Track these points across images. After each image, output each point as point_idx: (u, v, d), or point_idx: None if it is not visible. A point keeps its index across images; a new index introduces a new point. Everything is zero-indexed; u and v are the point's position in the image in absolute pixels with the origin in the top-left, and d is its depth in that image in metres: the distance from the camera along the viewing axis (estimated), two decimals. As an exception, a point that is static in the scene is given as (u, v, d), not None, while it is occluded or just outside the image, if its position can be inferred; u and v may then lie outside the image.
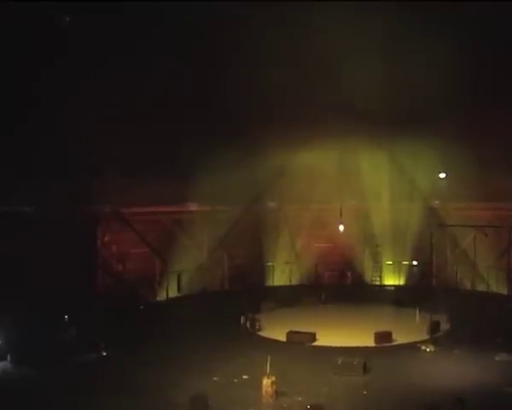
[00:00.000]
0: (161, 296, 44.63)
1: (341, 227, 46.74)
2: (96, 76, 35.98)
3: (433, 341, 32.03)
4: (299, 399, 23.77)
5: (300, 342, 32.61)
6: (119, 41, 35.66)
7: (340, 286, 48.15)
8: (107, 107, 36.94)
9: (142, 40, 36.60)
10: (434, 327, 33.68)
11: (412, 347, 31.66)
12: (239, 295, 40.70)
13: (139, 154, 39.60)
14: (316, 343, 32.99)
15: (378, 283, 50.18)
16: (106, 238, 43.62)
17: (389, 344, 32.48)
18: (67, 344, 30.80)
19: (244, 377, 26.56)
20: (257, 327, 35.64)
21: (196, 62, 38.79)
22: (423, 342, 32.04)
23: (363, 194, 48.69)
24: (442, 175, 47.63)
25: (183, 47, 37.31)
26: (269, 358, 24.71)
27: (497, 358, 28.92)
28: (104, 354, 30.04)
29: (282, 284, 49.72)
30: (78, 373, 27.09)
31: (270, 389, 23.92)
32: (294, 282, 50.40)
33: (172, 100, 39.55)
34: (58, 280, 34.69)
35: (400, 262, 49.91)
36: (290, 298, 43.11)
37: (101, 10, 34.09)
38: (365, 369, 27.22)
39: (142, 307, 40.71)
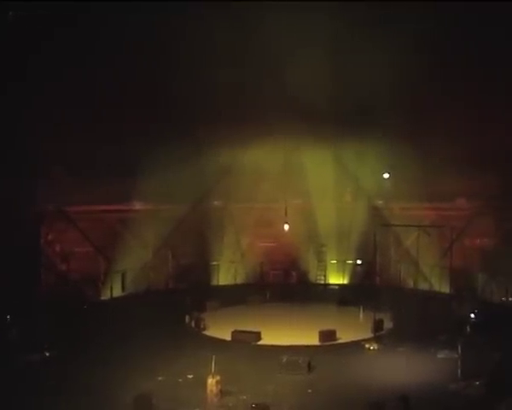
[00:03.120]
0: (105, 296, 44.26)
1: (286, 226, 46.98)
2: (41, 75, 35.48)
3: (377, 339, 32.42)
4: (244, 398, 23.85)
5: (245, 341, 32.64)
6: (64, 40, 35.23)
7: (285, 285, 48.12)
8: (52, 107, 36.52)
9: (87, 39, 36.22)
10: (378, 325, 34.04)
11: (356, 345, 32.03)
12: (184, 294, 40.69)
13: (84, 153, 39.24)
14: (261, 342, 33.08)
15: (322, 282, 50.23)
16: (49, 237, 43.18)
17: (333, 342, 32.75)
18: (9, 345, 30.32)
19: (189, 376, 26.53)
20: (202, 326, 35.58)
21: (142, 62, 38.53)
22: (367, 340, 32.39)
23: (308, 193, 48.77)
24: (386, 175, 47.97)
25: (128, 46, 37.02)
26: (214, 357, 24.73)
27: (439, 355, 29.39)
28: (47, 354, 29.67)
29: (227, 283, 49.73)
30: (21, 374, 26.64)
31: (214, 388, 23.95)
32: (239, 281, 50.42)
33: (117, 99, 39.23)
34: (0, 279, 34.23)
35: (344, 261, 50.25)
36: (235, 297, 43.13)
37: (47, 9, 33.69)
38: (310, 367, 27.44)
39: (85, 306, 40.30)
